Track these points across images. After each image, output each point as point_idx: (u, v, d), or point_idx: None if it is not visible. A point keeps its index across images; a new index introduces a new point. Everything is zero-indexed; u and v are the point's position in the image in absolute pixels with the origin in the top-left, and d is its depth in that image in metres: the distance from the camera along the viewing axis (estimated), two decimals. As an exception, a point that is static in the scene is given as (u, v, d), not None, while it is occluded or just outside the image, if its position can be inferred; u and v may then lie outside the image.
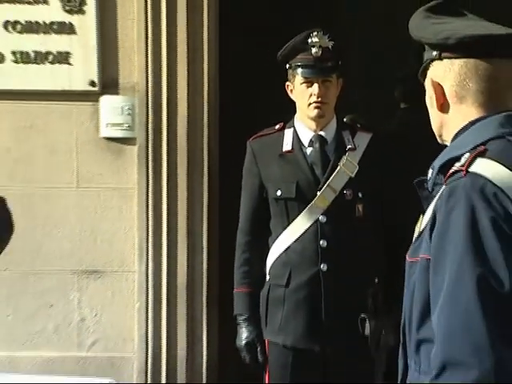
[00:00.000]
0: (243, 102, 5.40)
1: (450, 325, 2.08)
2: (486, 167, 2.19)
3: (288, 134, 4.30)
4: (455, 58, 2.30)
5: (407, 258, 2.35)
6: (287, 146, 4.24)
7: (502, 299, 2.04)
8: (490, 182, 2.15)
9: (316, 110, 4.15)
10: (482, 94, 2.32)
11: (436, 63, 2.35)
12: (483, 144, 2.23)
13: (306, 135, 4.25)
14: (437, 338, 2.10)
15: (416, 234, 2.42)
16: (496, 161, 2.19)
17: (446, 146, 2.42)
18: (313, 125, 4.19)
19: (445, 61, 2.30)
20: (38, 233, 4.58)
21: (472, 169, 2.15)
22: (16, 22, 4.42)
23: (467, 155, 2.22)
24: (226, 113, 4.98)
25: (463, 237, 2.08)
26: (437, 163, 2.33)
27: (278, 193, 4.16)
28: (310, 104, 4.13)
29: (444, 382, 1.99)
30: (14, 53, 4.42)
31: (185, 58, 4.57)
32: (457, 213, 2.12)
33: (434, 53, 2.37)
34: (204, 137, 4.67)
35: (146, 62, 4.55)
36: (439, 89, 2.35)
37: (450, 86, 2.30)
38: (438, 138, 2.49)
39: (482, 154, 2.21)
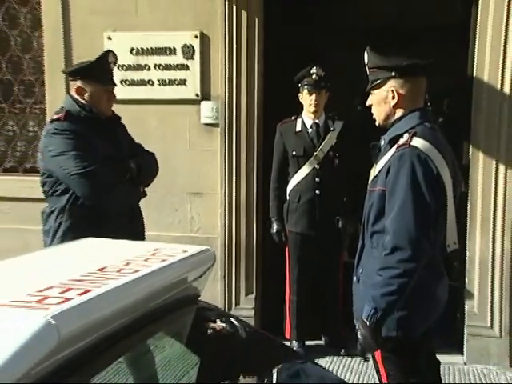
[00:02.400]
0: (276, 102, 6.16)
1: (397, 228, 3.03)
2: (419, 142, 3.09)
3: (299, 121, 5.86)
4: (399, 77, 3.22)
5: (368, 187, 3.33)
6: (298, 128, 5.84)
7: (428, 216, 3.05)
8: (422, 151, 3.07)
9: (313, 109, 5.75)
10: (410, 98, 3.23)
11: (392, 80, 3.23)
12: (413, 128, 3.14)
13: (308, 122, 5.83)
14: (389, 234, 3.03)
15: (372, 176, 3.34)
16: (423, 138, 3.09)
17: (384, 127, 3.33)
18: (311, 117, 5.81)
19: (394, 78, 3.22)
20: (169, 172, 5.68)
21: (412, 143, 3.08)
22: (160, 65, 6.14)
23: (406, 135, 3.12)
24: (267, 109, 6.24)
25: (407, 181, 3.04)
26: (386, 137, 3.28)
27: (294, 153, 5.79)
28: (310, 105, 5.77)
29: (393, 258, 2.98)
30: (158, 80, 6.18)
31: (245, 80, 6.06)
32: (404, 168, 3.06)
33: (393, 73, 3.22)
34: (255, 123, 6.13)
35: (224, 82, 6.06)
36: (395, 94, 3.21)
37: (396, 91, 3.22)
38: (381, 122, 3.36)
39: (415, 135, 3.09)
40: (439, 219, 3.14)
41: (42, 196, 4.34)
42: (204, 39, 6.09)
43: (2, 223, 6.26)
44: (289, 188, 5.92)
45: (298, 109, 5.93)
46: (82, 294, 1.64)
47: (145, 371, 2.32)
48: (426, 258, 3.03)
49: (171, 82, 6.23)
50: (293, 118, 5.93)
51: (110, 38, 6.22)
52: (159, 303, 2.05)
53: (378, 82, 3.28)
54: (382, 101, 3.30)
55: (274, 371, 2.30)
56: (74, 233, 3.86)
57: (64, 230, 4.14)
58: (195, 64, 6.17)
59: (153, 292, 1.98)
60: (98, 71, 4.30)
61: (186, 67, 6.18)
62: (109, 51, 4.48)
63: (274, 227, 5.98)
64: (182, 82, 6.22)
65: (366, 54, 3.36)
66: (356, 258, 3.40)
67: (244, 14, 5.98)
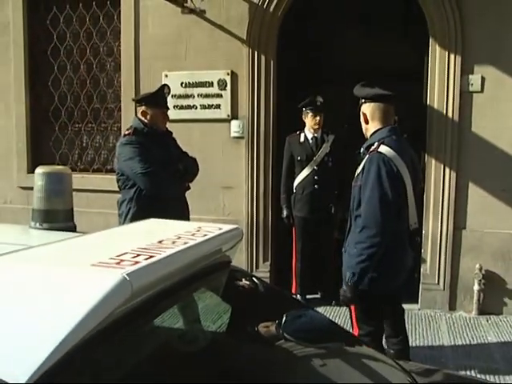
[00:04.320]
0: (285, 120, 6.15)
1: (366, 212, 3.06)
2: (384, 149, 3.10)
3: (302, 135, 5.93)
4: (370, 102, 3.29)
5: (353, 183, 3.29)
6: (301, 139, 5.92)
7: (388, 203, 3.03)
8: (385, 155, 3.08)
9: (316, 126, 5.79)
10: (380, 117, 3.26)
11: (364, 105, 3.31)
12: (383, 139, 3.17)
13: (309, 135, 5.88)
14: (361, 216, 3.09)
15: (356, 174, 3.30)
16: (388, 146, 3.12)
17: (367, 138, 3.31)
18: (312, 132, 5.86)
19: (367, 103, 3.29)
20: (208, 172, 5.37)
21: (379, 150, 3.10)
22: (201, 94, 6.18)
23: (376, 144, 3.15)
24: (279, 125, 6.23)
25: (374, 178, 3.05)
26: (364, 146, 3.28)
27: (298, 158, 5.87)
28: (314, 124, 5.78)
29: (363, 235, 3.03)
30: (200, 105, 6.23)
31: (263, 105, 6.06)
32: (372, 168, 3.07)
33: (363, 100, 3.30)
34: (270, 135, 6.14)
35: (248, 106, 6.10)
36: (365, 115, 3.31)
37: (369, 113, 3.28)
38: (365, 134, 3.34)
39: (382, 143, 3.13)
40: (402, 206, 3.13)
41: (117, 189, 4.39)
42: (233, 75, 6.16)
43: (91, 208, 6.33)
44: (295, 183, 5.91)
45: (300, 126, 5.94)
46: (147, 258, 1.65)
47: (190, 316, 2.33)
48: (388, 233, 3.04)
49: (209, 107, 6.30)
50: (297, 132, 5.91)
51: (166, 76, 6.33)
52: (202, 266, 2.05)
53: (361, 104, 3.31)
54: (362, 120, 3.34)
55: (285, 316, 2.29)
56: (138, 216, 3.84)
57: (132, 213, 4.18)
58: (227, 93, 6.22)
59: (198, 258, 1.98)
60: (157, 99, 4.33)
61: (220, 96, 6.23)
62: (165, 85, 4.52)
63: (284, 213, 5.98)
64: (217, 106, 6.27)
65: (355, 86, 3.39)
66: (346, 235, 3.38)
67: (263, 58, 6.09)
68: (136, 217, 3.96)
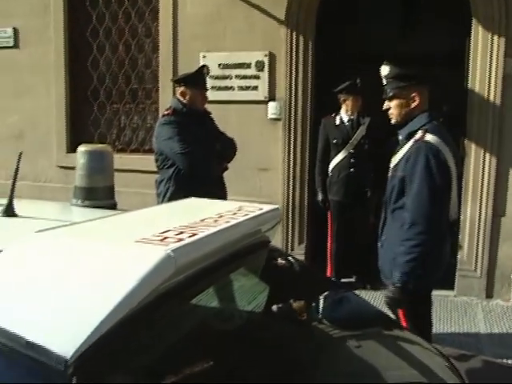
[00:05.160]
0: (323, 101, 6.03)
1: (415, 207, 2.89)
2: (431, 138, 2.94)
3: (337, 117, 5.87)
4: (410, 85, 3.08)
5: (390, 173, 3.13)
6: (337, 122, 5.85)
7: (439, 197, 2.90)
8: (433, 144, 2.91)
9: (354, 108, 5.73)
10: (420, 102, 3.09)
11: (414, 86, 3.06)
12: (424, 125, 2.99)
13: (345, 118, 5.82)
14: (408, 211, 2.90)
15: (393, 163, 3.15)
16: (434, 134, 2.94)
17: (398, 124, 3.12)
18: (349, 114, 5.82)
19: (406, 86, 3.06)
20: (245, 153, 5.26)
21: (425, 138, 2.93)
22: (239, 75, 6.16)
23: (420, 131, 2.96)
24: (317, 106, 6.16)
25: (423, 170, 2.89)
26: (403, 133, 3.09)
27: (334, 141, 5.80)
28: (352, 105, 5.73)
29: (412, 231, 2.85)
30: (238, 86, 6.21)
31: (301, 86, 6.01)
32: (420, 159, 2.91)
33: (414, 81, 3.06)
34: (308, 117, 6.09)
35: (285, 88, 6.04)
36: (415, 98, 3.06)
37: (407, 97, 3.08)
38: (398, 122, 3.12)
39: (427, 131, 2.95)
40: (446, 197, 3.01)
41: (155, 169, 4.40)
42: (271, 57, 6.11)
43: (129, 188, 6.26)
44: (330, 167, 5.86)
45: (336, 107, 5.89)
46: (190, 236, 1.65)
47: (228, 295, 2.33)
48: (437, 229, 2.93)
49: (247, 88, 6.27)
50: (333, 114, 5.86)
51: (204, 57, 6.30)
52: (242, 245, 2.05)
53: (401, 88, 3.08)
54: (403, 104, 3.09)
55: (322, 297, 2.27)
56: (177, 195, 3.83)
57: (170, 193, 4.19)
58: (264, 75, 6.19)
59: (239, 237, 1.98)
60: (196, 79, 4.33)
61: (257, 77, 6.21)
62: (204, 65, 4.54)
63: (319, 196, 5.96)
64: (255, 88, 6.24)
65: (386, 66, 3.14)
66: (379, 229, 3.26)
67: (301, 38, 6.03)
68: (174, 196, 3.96)
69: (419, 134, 2.96)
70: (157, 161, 4.33)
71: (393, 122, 3.15)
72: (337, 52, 6.11)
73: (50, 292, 1.42)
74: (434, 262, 2.98)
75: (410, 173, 2.92)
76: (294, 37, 5.99)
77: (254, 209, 2.22)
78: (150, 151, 6.02)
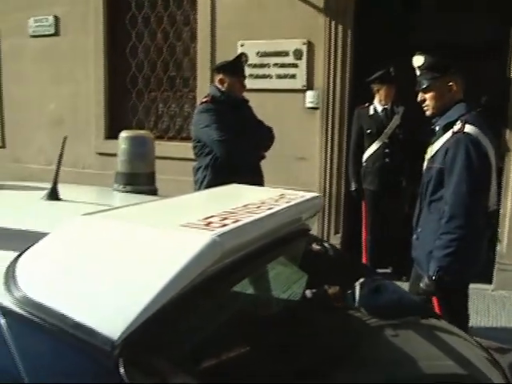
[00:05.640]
0: (361, 91, 5.85)
1: (454, 200, 2.82)
2: (470, 129, 2.86)
3: (371, 107, 5.77)
4: (448, 74, 3.03)
5: (427, 164, 3.08)
6: (371, 112, 5.76)
7: (480, 191, 2.85)
8: (473, 136, 2.84)
9: (388, 98, 5.67)
10: (457, 92, 3.04)
11: (450, 75, 3.01)
12: (462, 115, 2.91)
13: (379, 108, 5.74)
14: (448, 204, 2.82)
15: (429, 154, 3.08)
16: (473, 125, 2.87)
17: (432, 116, 3.06)
18: (382, 103, 5.74)
19: (444, 76, 3.00)
20: (282, 142, 5.28)
21: (465, 130, 2.86)
22: (277, 63, 6.14)
23: (459, 122, 2.87)
24: (356, 95, 6.08)
25: (463, 163, 2.82)
26: (441, 123, 3.01)
27: (368, 131, 5.73)
28: (386, 95, 5.66)
29: (451, 225, 2.80)
30: (276, 75, 6.20)
31: (339, 75, 5.99)
32: (460, 151, 2.83)
33: (451, 70, 2.99)
34: (345, 107, 6.06)
35: (323, 77, 6.03)
36: (453, 87, 3.00)
37: (445, 86, 3.01)
38: (435, 113, 3.03)
39: (467, 122, 2.87)
40: (486, 190, 2.94)
41: (192, 156, 4.42)
42: (310, 45, 6.08)
43: (166, 175, 6.02)
44: (365, 157, 5.79)
45: (369, 97, 5.82)
46: (234, 222, 1.64)
47: (268, 282, 2.33)
48: (477, 223, 2.87)
49: (285, 76, 6.24)
50: (366, 104, 5.79)
51: (242, 45, 6.31)
52: (283, 233, 2.03)
53: (436, 79, 3.00)
54: (441, 94, 3.02)
55: (358, 283, 2.26)
56: (214, 182, 3.83)
57: (208, 180, 4.20)
58: (303, 63, 6.15)
59: (282, 224, 1.96)
60: (234, 67, 4.36)
61: (295, 66, 6.17)
62: (242, 53, 4.60)
63: (353, 186, 5.90)
64: (293, 77, 6.21)
65: (419, 57, 3.05)
66: (414, 220, 3.18)
67: (340, 27, 5.96)
68: (211, 183, 3.97)
69: (458, 125, 2.89)
70: (195, 148, 4.35)
71: (428, 113, 3.08)
72: (375, 40, 6.01)
73: (97, 274, 1.43)
74: (472, 257, 2.91)
75: (450, 165, 2.86)
76: (333, 25, 5.94)
77: (295, 196, 2.19)
78: (186, 139, 6.07)
